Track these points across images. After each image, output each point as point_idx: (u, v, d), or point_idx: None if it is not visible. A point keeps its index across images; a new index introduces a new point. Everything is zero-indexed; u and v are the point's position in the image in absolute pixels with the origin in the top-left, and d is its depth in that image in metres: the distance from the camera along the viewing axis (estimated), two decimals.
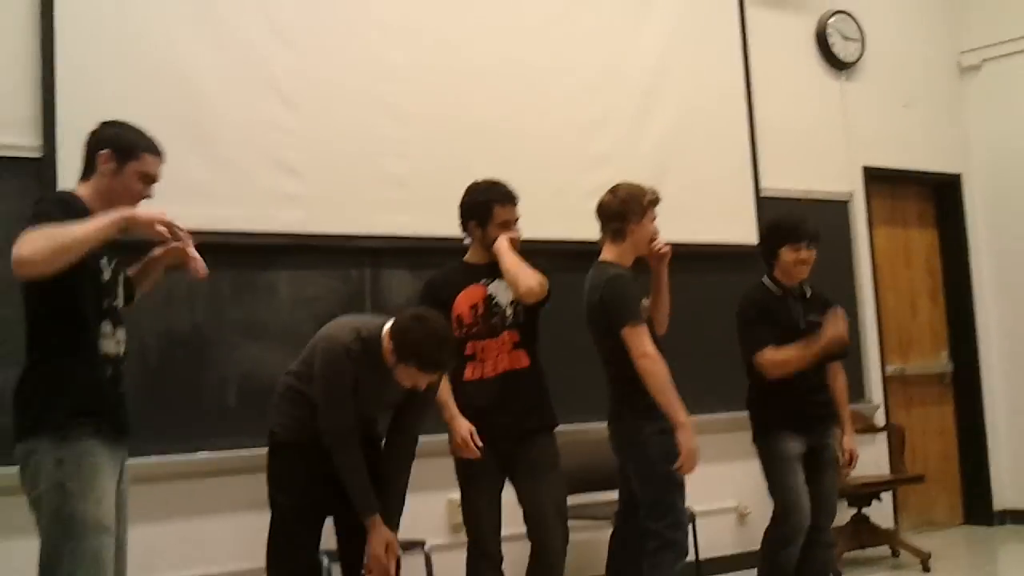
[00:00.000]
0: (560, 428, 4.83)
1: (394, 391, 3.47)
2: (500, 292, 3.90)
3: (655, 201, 3.89)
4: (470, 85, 5.05)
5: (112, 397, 2.84)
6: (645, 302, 3.89)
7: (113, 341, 2.86)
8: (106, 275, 2.88)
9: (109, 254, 2.90)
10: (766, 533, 4.14)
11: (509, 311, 3.89)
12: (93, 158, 2.91)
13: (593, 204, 5.26)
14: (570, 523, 4.72)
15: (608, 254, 3.91)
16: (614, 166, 5.37)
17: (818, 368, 4.21)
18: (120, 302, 2.95)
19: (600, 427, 5.05)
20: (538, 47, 5.30)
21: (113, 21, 4.23)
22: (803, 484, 4.08)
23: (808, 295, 4.27)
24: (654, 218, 3.89)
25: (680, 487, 3.74)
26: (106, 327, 2.83)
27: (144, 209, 2.77)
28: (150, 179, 2.93)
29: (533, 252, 5.06)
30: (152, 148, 2.95)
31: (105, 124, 2.98)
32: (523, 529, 3.87)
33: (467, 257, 4.00)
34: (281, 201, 4.48)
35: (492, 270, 3.91)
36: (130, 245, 3.02)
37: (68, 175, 3.97)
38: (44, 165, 4.03)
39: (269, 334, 4.42)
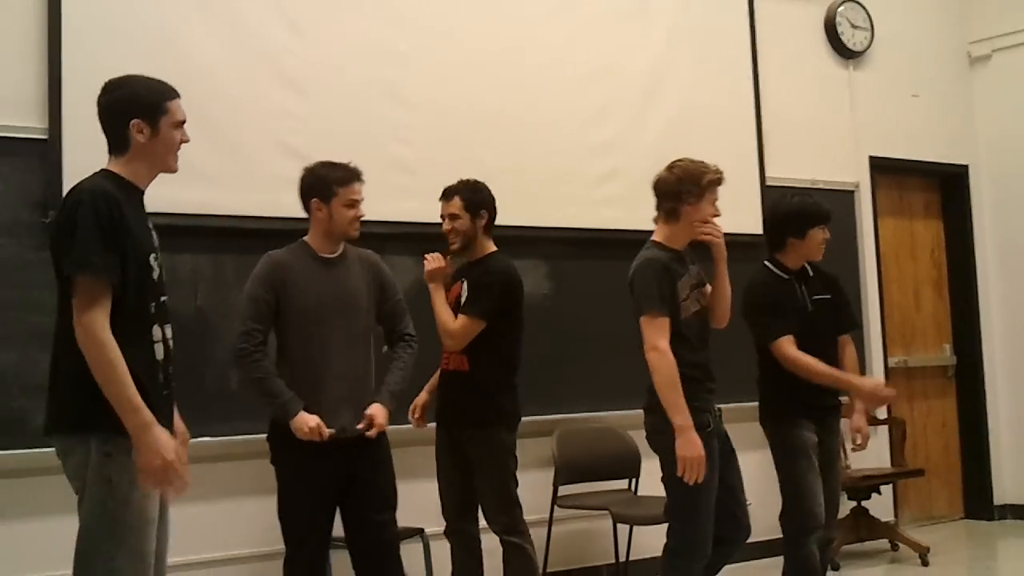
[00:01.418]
0: (558, 417, 4.86)
1: (343, 285, 3.63)
2: (464, 295, 4.04)
3: (716, 181, 3.65)
4: (476, 72, 5.03)
5: (161, 402, 2.72)
6: (707, 288, 3.72)
7: (162, 346, 2.76)
8: (156, 272, 2.76)
9: (156, 244, 2.80)
10: (786, 530, 4.02)
11: None
12: (122, 132, 2.76)
13: (597, 192, 5.30)
14: (567, 512, 4.77)
15: (658, 234, 3.72)
16: (619, 154, 5.39)
17: (828, 358, 4.05)
18: (167, 295, 2.85)
19: (598, 417, 5.09)
20: (544, 34, 5.28)
21: (120, 3, 4.23)
22: (818, 474, 3.97)
23: (811, 274, 4.18)
24: (715, 200, 3.66)
25: (705, 489, 3.51)
26: (156, 332, 2.74)
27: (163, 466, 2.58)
28: (182, 124, 2.84)
29: (536, 240, 5.10)
30: (171, 93, 2.85)
31: (112, 88, 2.82)
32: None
33: (465, 253, 4.13)
34: (287, 186, 4.42)
35: (468, 270, 4.10)
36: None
37: (73, 156, 4.00)
38: (50, 146, 4.04)
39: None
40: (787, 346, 3.94)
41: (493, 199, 4.11)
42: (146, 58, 4.21)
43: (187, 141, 2.86)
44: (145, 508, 2.61)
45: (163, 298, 2.80)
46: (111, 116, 2.79)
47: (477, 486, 3.99)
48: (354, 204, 3.64)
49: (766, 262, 4.18)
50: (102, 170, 2.77)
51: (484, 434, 3.97)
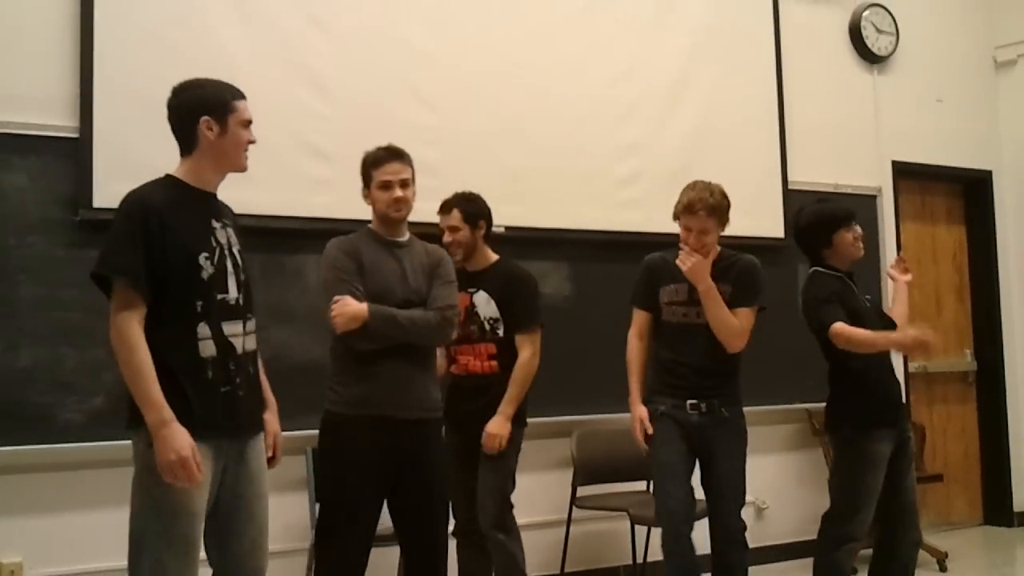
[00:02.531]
0: (577, 418, 4.89)
1: (406, 270, 3.50)
2: (481, 304, 4.10)
3: (680, 211, 3.88)
4: (501, 74, 5.06)
5: (211, 399, 2.77)
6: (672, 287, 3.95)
7: (212, 342, 2.78)
8: (207, 271, 2.80)
9: (217, 243, 2.85)
10: (824, 530, 4.04)
11: (487, 325, 4.08)
12: (191, 131, 2.86)
13: (620, 194, 5.32)
14: (586, 513, 4.80)
15: None
16: (642, 157, 5.42)
17: (888, 353, 4.11)
18: (234, 293, 2.88)
19: (617, 418, 5.10)
20: (569, 37, 5.30)
21: (150, 5, 4.28)
22: (879, 488, 3.96)
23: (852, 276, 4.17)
24: (689, 227, 3.85)
25: (662, 472, 3.88)
26: (203, 329, 2.76)
27: (176, 462, 2.63)
28: (249, 123, 2.95)
29: (559, 242, 5.12)
30: (238, 93, 2.95)
31: (181, 90, 2.92)
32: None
33: (465, 263, 4.12)
34: (312, 186, 4.53)
35: (478, 279, 4.12)
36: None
37: (104, 155, 4.08)
38: (81, 145, 4.09)
39: (296, 317, 4.47)
40: (843, 327, 3.86)
41: (489, 209, 4.17)
42: (175, 58, 4.27)
43: (254, 141, 2.97)
44: (186, 497, 2.68)
45: (221, 296, 2.83)
46: (181, 116, 2.89)
47: (480, 479, 4.02)
48: (387, 185, 3.50)
49: (816, 268, 4.14)
50: (165, 175, 2.89)
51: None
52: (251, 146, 3.00)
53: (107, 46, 4.15)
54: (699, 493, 3.93)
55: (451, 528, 4.04)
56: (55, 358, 3.99)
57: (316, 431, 3.53)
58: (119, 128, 4.13)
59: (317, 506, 3.72)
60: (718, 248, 3.97)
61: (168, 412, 2.64)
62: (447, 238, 4.09)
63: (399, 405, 3.40)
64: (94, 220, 4.02)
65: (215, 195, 2.96)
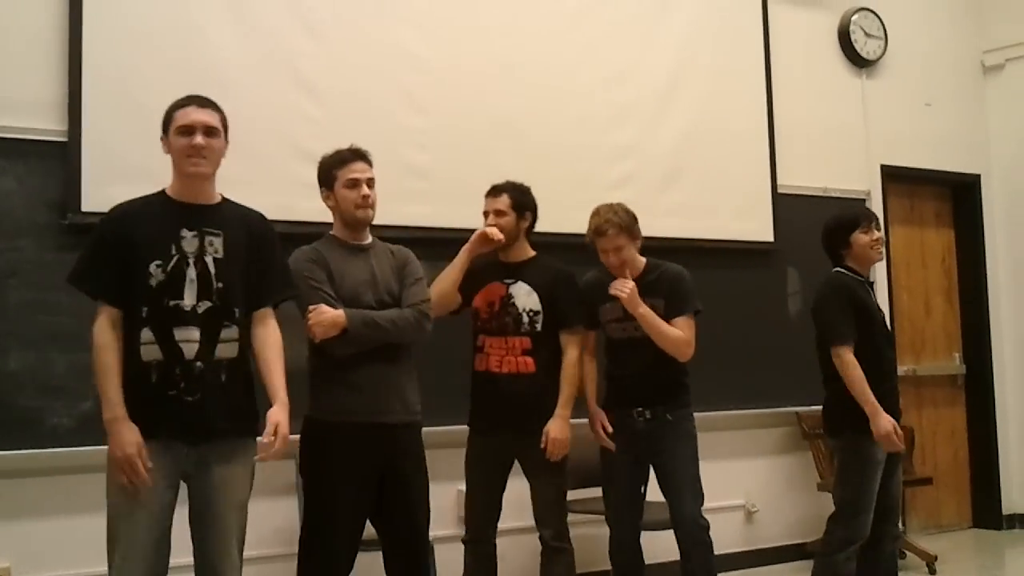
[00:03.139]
0: (570, 422, 4.87)
1: (374, 273, 3.51)
2: (521, 296, 3.98)
3: (591, 238, 4.03)
4: (493, 78, 5.07)
5: (155, 404, 2.86)
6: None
7: (157, 347, 2.87)
8: (156, 278, 2.89)
9: (179, 251, 2.93)
10: (830, 531, 4.06)
11: (525, 318, 3.96)
12: None
13: (611, 198, 5.29)
14: (576, 517, 4.78)
15: None
16: (633, 160, 5.42)
17: (894, 362, 4.25)
18: (190, 300, 2.91)
19: None
20: (560, 41, 5.30)
21: (140, 8, 4.27)
22: (878, 486, 4.03)
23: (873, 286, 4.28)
24: (604, 250, 4.01)
25: (607, 482, 4.18)
26: (146, 334, 2.87)
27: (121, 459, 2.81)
28: (185, 129, 2.96)
29: (551, 245, 5.10)
30: (180, 104, 3.01)
31: None
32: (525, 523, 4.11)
33: (501, 254, 4.05)
34: (303, 190, 4.47)
35: (516, 270, 4.02)
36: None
37: (92, 159, 4.06)
38: (69, 148, 4.07)
39: (289, 323, 4.44)
40: (850, 359, 3.95)
41: (537, 205, 4.11)
42: (165, 62, 4.27)
43: (199, 144, 2.96)
44: (133, 497, 2.80)
45: (174, 303, 2.89)
46: None
47: (536, 492, 3.96)
48: (355, 184, 3.49)
49: (836, 270, 4.20)
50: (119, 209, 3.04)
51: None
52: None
53: (96, 49, 4.14)
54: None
55: (463, 535, 4.05)
56: (44, 362, 3.97)
57: None
58: (108, 132, 4.12)
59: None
60: (643, 260, 4.07)
61: (120, 409, 2.81)
62: (491, 221, 3.99)
63: (382, 410, 3.41)
64: (82, 224, 3.99)
65: (199, 205, 3.02)
